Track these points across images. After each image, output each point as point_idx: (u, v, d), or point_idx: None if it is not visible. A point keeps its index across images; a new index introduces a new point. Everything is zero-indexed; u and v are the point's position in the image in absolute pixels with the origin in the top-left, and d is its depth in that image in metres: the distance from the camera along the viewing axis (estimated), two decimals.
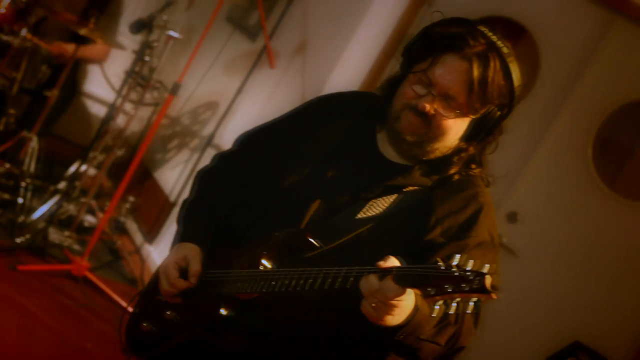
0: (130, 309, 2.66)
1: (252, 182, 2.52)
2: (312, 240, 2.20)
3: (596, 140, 4.32)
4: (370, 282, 1.94)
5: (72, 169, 5.53)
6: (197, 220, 2.51)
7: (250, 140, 2.66)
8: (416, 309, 2.00)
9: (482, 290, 1.73)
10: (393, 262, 1.99)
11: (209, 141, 5.62)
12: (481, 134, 2.26)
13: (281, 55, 5.18)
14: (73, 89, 5.70)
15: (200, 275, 2.36)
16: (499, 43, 2.19)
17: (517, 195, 4.40)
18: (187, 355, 2.40)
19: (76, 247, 5.28)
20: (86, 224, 5.53)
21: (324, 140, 2.43)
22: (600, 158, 4.31)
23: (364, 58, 5.01)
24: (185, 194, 5.46)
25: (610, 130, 4.36)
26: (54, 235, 5.18)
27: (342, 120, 2.46)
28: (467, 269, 1.77)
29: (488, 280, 1.73)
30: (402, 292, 1.89)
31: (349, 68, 4.98)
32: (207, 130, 5.81)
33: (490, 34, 2.20)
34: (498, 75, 2.18)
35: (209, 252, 2.42)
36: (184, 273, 2.37)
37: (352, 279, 1.96)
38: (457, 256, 1.81)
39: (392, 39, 4.99)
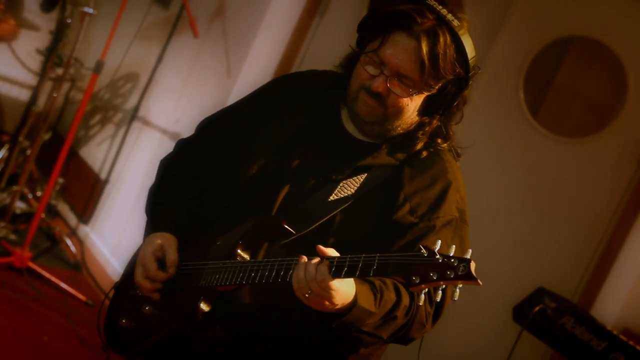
0: (105, 296, 2.65)
1: (217, 168, 2.48)
2: (287, 227, 2.19)
3: (526, 80, 4.39)
4: (308, 270, 1.98)
5: None
6: (166, 209, 2.48)
7: (211, 126, 2.61)
8: (354, 303, 2.02)
9: (467, 276, 1.74)
10: (333, 252, 2.03)
11: (133, 114, 5.52)
12: (441, 107, 2.27)
13: (199, 22, 5.09)
14: None
15: (177, 265, 2.35)
16: (449, 16, 2.17)
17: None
18: (169, 349, 2.39)
19: (12, 237, 5.16)
20: (18, 211, 5.40)
21: (288, 121, 2.42)
22: (531, 97, 4.39)
23: (287, 18, 4.96)
24: (117, 170, 5.42)
25: (539, 69, 4.43)
26: None
27: (304, 100, 2.44)
28: (451, 255, 1.78)
29: (473, 266, 1.74)
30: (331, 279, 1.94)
31: (272, 30, 4.92)
32: (131, 103, 5.71)
33: (439, 7, 2.18)
34: (449, 49, 2.16)
35: (182, 241, 2.40)
36: (161, 263, 2.36)
37: (334, 269, 1.94)
38: (439, 242, 1.82)
39: None
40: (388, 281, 2.13)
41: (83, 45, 5.33)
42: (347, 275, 1.93)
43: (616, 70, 4.28)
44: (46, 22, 5.84)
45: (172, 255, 2.35)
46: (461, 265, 1.75)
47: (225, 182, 2.43)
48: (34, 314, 4.48)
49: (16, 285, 4.66)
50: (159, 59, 5.36)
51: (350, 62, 2.35)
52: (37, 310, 4.52)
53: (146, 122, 5.49)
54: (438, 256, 1.78)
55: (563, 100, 4.48)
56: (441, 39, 2.15)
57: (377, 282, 2.10)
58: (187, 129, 5.01)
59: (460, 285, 1.76)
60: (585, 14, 4.38)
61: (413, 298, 2.15)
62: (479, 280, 1.73)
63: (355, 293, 2.03)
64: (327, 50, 4.94)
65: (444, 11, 2.18)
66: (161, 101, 5.45)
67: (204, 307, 2.25)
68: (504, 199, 4.32)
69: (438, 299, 1.80)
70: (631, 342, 3.26)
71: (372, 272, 1.88)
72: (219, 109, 4.96)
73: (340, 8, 4.95)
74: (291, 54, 4.96)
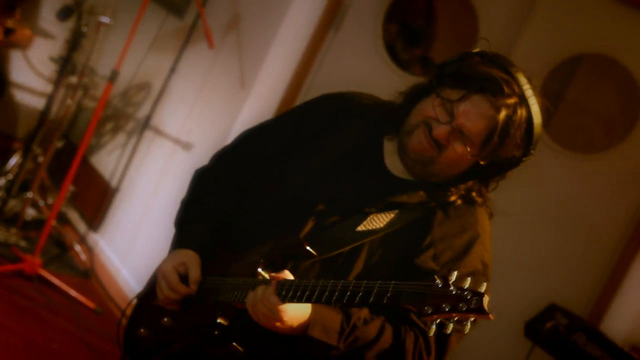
0: (122, 314, 2.65)
1: (251, 184, 2.48)
2: (309, 249, 2.18)
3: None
4: (256, 292, 2.08)
5: (12, 162, 5.41)
6: (194, 226, 2.48)
7: (250, 139, 2.59)
8: (304, 332, 2.08)
9: (479, 310, 1.72)
10: (286, 275, 2.09)
11: (145, 123, 5.54)
12: (482, 176, 2.27)
13: (213, 32, 5.11)
14: (2, 81, 5.52)
15: (200, 282, 2.36)
16: (532, 100, 2.14)
17: None
18: None
19: (22, 243, 5.17)
20: (28, 218, 5.42)
21: (329, 146, 2.40)
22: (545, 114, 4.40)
23: (302, 31, 4.97)
24: (128, 179, 5.43)
25: (551, 86, 4.44)
26: None
27: (350, 128, 2.42)
28: (465, 287, 1.77)
29: (486, 300, 1.73)
30: (280, 303, 2.03)
31: (287, 42, 4.94)
32: (143, 112, 5.72)
33: (526, 86, 2.15)
34: (520, 130, 2.14)
35: (206, 256, 2.41)
36: (183, 279, 2.37)
37: (349, 293, 1.95)
38: (455, 273, 1.81)
39: (328, 11, 4.96)
40: (376, 321, 2.15)
41: (97, 54, 5.36)
42: (298, 300, 2.01)
43: (628, 86, 4.29)
44: (61, 31, 5.88)
45: (195, 273, 2.35)
46: (474, 298, 1.73)
47: (257, 200, 2.43)
48: (43, 321, 4.49)
49: (26, 292, 4.67)
50: (172, 69, 5.38)
51: (417, 94, 2.31)
52: (47, 317, 4.54)
53: (158, 132, 5.50)
54: (452, 287, 1.77)
55: (575, 116, 4.49)
56: (517, 119, 2.12)
57: (356, 317, 2.13)
58: (199, 140, 5.08)
59: (472, 319, 1.74)
60: (597, 32, 4.40)
61: (397, 344, 2.15)
62: (490, 315, 1.72)
63: (309, 319, 2.08)
64: (341, 64, 4.97)
65: (529, 92, 2.14)
66: (174, 111, 5.47)
67: (221, 322, 2.26)
68: (515, 213, 4.31)
69: (449, 331, 1.78)
70: None
71: (385, 299, 1.88)
72: (232, 120, 5.00)
73: (356, 22, 4.97)
74: (306, 67, 4.98)
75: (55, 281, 4.83)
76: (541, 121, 2.18)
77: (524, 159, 2.21)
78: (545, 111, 2.20)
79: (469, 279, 1.79)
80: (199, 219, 2.48)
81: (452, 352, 2.20)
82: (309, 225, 2.29)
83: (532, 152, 2.20)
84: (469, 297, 1.74)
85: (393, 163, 2.34)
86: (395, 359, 2.15)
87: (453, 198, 2.27)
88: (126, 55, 4.79)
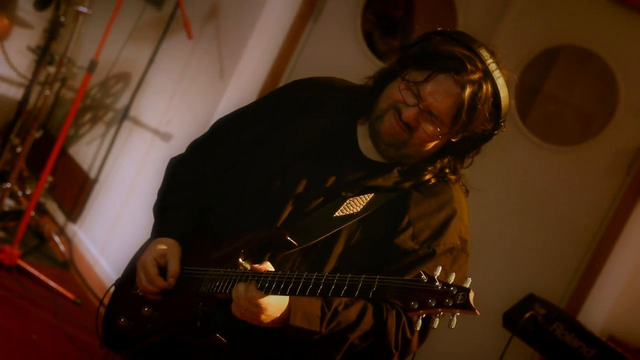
0: (100, 303, 2.64)
1: (228, 173, 2.47)
2: (290, 240, 2.19)
3: (517, 88, 4.42)
4: (238, 290, 2.10)
5: None
6: (175, 213, 2.47)
7: (225, 129, 2.58)
8: (285, 321, 2.09)
9: (465, 306, 1.75)
10: (268, 266, 2.10)
11: (124, 114, 5.53)
12: (456, 152, 2.29)
13: (192, 23, 5.09)
14: None
15: (177, 277, 2.35)
16: (496, 73, 2.17)
17: None
18: (167, 352, 2.39)
19: (0, 234, 5.15)
20: (6, 209, 5.39)
21: (304, 131, 2.41)
22: (521, 105, 4.42)
23: (281, 21, 4.97)
24: (107, 169, 5.41)
25: (529, 77, 4.47)
26: None
27: (323, 113, 2.43)
28: (450, 282, 1.79)
29: (472, 296, 1.76)
30: (262, 296, 2.04)
31: (266, 32, 4.93)
32: (122, 103, 5.71)
33: (489, 60, 2.17)
34: (487, 104, 2.17)
35: (187, 246, 2.40)
36: (162, 270, 2.36)
37: (333, 287, 1.97)
38: (439, 269, 1.84)
39: (307, 1, 4.96)
40: (357, 303, 2.16)
41: (75, 44, 5.33)
42: (282, 293, 2.03)
43: (606, 78, 4.32)
44: (39, 21, 5.84)
45: (174, 266, 2.34)
46: (460, 294, 1.76)
47: (235, 188, 2.43)
48: (22, 312, 4.48)
49: (5, 282, 4.65)
50: (151, 60, 5.36)
51: (384, 77, 2.35)
52: (26, 308, 4.53)
53: (137, 122, 5.49)
54: (438, 283, 1.79)
55: (553, 108, 4.52)
56: (483, 94, 2.16)
57: (337, 301, 2.13)
58: (178, 130, 5.06)
59: (458, 314, 1.77)
60: (576, 23, 4.42)
61: (379, 325, 2.17)
62: (476, 311, 1.75)
63: (289, 306, 2.09)
64: (320, 54, 4.97)
65: (492, 65, 2.17)
66: (153, 102, 5.45)
67: (202, 313, 2.25)
68: (493, 204, 4.34)
69: (435, 326, 1.81)
70: (619, 350, 3.30)
71: (370, 293, 1.89)
72: (211, 110, 4.98)
73: (334, 13, 4.97)
74: (284, 57, 4.98)
75: (34, 272, 4.82)
76: (507, 93, 2.21)
77: (495, 132, 2.24)
78: (510, 83, 2.23)
79: (454, 275, 1.82)
80: (179, 207, 2.48)
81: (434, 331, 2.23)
82: (287, 211, 2.30)
83: (502, 124, 2.24)
84: (454, 292, 1.76)
85: (367, 146, 2.36)
86: (378, 339, 2.17)
87: (427, 177, 2.29)
88: (105, 45, 4.77)
